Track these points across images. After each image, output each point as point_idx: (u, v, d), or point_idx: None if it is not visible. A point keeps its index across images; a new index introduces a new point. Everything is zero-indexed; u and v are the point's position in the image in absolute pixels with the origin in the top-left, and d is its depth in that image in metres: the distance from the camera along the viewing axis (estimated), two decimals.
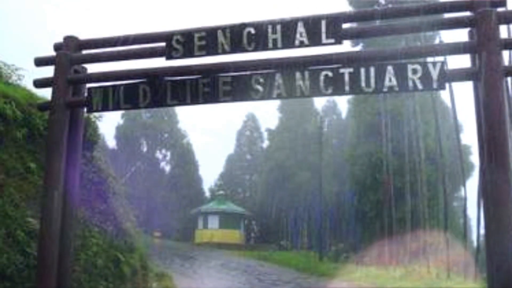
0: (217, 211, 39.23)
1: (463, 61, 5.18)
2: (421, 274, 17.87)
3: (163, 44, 5.43)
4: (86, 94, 5.81)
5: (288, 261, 25.80)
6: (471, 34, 5.01)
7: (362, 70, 4.96)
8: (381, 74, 4.91)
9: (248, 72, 5.24)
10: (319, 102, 46.28)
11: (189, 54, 5.32)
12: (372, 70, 4.93)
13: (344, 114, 43.90)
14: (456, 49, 4.93)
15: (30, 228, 6.05)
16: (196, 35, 5.30)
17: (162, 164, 49.12)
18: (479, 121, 4.80)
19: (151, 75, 5.50)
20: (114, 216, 7.95)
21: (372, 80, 4.93)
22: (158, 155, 49.06)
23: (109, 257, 7.27)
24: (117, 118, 45.63)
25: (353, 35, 5.58)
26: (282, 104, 43.81)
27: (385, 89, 4.99)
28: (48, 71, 5.83)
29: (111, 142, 44.10)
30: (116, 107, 5.66)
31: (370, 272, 19.86)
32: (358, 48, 22.90)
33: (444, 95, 24.75)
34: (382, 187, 22.44)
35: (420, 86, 4.86)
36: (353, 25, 5.71)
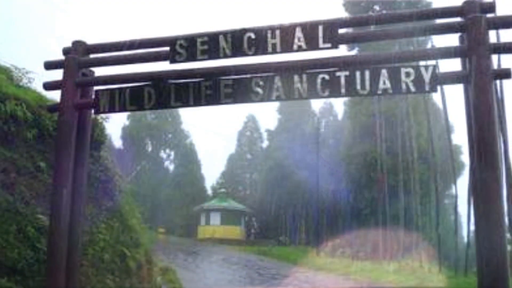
0: (219, 208, 39.57)
1: (454, 65, 5.34)
2: (414, 268, 18.12)
3: (167, 48, 5.58)
4: (93, 96, 5.97)
5: (286, 256, 26.02)
6: (461, 39, 5.14)
7: (358, 73, 5.10)
8: (375, 77, 5.05)
9: (248, 75, 5.38)
10: (316, 104, 46.33)
11: (192, 58, 5.47)
12: (367, 73, 5.08)
13: (340, 116, 44.00)
14: (447, 53, 5.06)
15: (40, 225, 6.20)
16: (199, 40, 5.46)
17: (166, 163, 49.31)
18: (470, 122, 4.93)
19: (156, 78, 5.65)
20: (120, 213, 8.07)
21: (367, 83, 5.07)
22: (163, 154, 49.22)
23: (115, 252, 7.38)
24: (123, 119, 45.78)
25: (349, 40, 5.72)
26: (281, 105, 44.09)
27: (379, 92, 5.14)
28: (57, 74, 6.01)
29: (117, 142, 44.28)
30: (122, 109, 5.79)
31: (365, 267, 20.10)
32: (353, 52, 23.06)
33: (436, 97, 24.91)
34: (377, 185, 22.75)
35: (413, 89, 5.00)
36: (349, 30, 5.85)
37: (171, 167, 48.86)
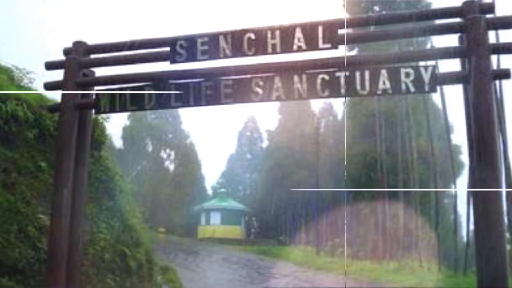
0: (219, 208, 39.76)
1: (453, 65, 5.35)
2: (413, 268, 18.15)
3: (167, 49, 5.61)
4: (94, 97, 6.00)
5: (286, 255, 26.08)
6: (461, 40, 5.15)
7: (357, 74, 5.12)
8: (375, 77, 5.07)
9: (248, 76, 5.41)
10: (316, 104, 46.43)
11: (192, 58, 5.51)
12: (366, 73, 5.10)
13: (340, 116, 44.08)
14: (447, 53, 5.09)
15: (41, 224, 6.22)
16: (199, 40, 5.49)
17: (167, 163, 49.36)
18: (469, 122, 4.95)
19: (156, 79, 5.69)
20: (121, 213, 8.10)
21: (367, 83, 5.09)
22: (163, 154, 49.28)
23: (116, 252, 7.42)
24: (124, 119, 45.87)
25: (349, 41, 5.69)
26: (281, 105, 44.23)
27: (379, 92, 5.16)
28: (58, 75, 6.03)
29: (118, 142, 44.35)
30: (123, 109, 5.82)
31: (365, 266, 20.16)
32: (353, 52, 23.12)
33: (436, 97, 24.97)
34: (376, 185, 22.80)
35: (412, 89, 5.02)
36: (349, 30, 5.88)
37: (171, 167, 48.92)
